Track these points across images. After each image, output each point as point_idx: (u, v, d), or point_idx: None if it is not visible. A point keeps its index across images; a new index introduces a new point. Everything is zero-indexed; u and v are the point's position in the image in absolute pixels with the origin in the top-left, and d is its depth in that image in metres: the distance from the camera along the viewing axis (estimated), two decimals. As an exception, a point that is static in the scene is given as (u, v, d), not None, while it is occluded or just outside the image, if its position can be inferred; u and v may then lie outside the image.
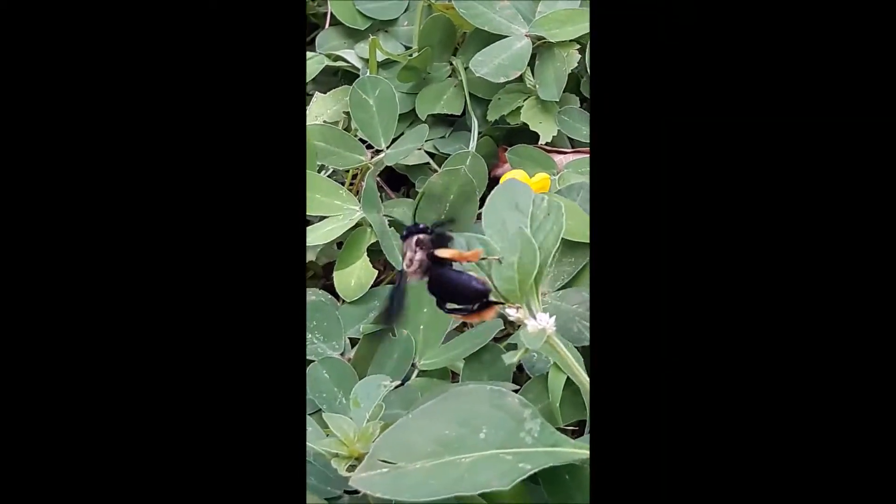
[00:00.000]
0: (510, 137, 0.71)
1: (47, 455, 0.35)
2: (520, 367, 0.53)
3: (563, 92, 0.68)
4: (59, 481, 0.34)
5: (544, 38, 0.69)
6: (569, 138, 0.69)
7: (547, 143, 0.68)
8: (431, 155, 0.69)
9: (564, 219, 0.45)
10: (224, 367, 0.36)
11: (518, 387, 0.49)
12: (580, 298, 0.49)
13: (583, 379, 0.43)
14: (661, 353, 0.35)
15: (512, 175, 0.57)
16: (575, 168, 0.66)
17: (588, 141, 0.68)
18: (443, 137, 0.71)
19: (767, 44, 0.36)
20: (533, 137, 0.68)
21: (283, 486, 0.36)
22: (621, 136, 0.37)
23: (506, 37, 0.69)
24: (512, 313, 0.41)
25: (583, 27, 0.69)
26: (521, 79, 0.68)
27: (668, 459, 0.35)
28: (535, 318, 0.41)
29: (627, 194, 0.36)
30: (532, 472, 0.39)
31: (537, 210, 0.45)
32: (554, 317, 0.41)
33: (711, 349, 0.35)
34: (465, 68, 0.70)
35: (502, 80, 0.67)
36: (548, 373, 0.48)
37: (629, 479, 0.35)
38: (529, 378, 0.51)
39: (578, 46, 0.69)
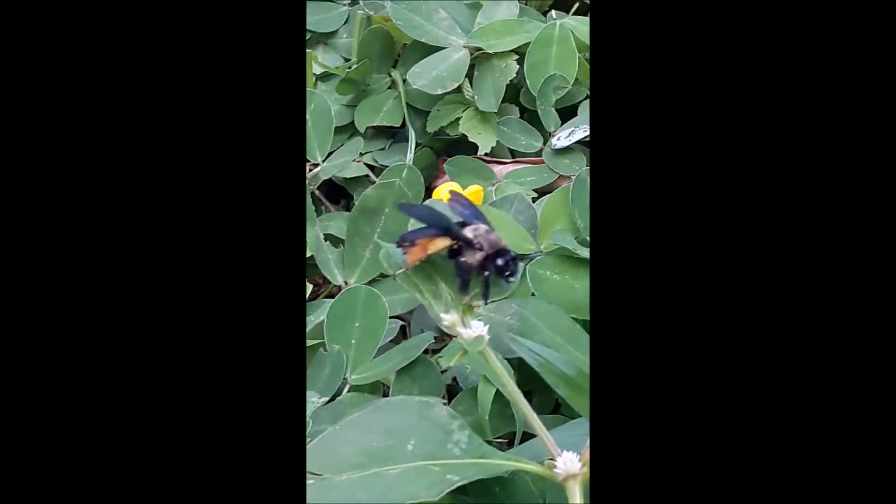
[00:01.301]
0: (450, 149, 0.70)
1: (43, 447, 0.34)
2: (456, 382, 0.53)
3: (503, 102, 0.68)
4: (53, 477, 0.34)
5: (482, 50, 0.69)
6: (509, 149, 0.69)
7: (487, 154, 0.68)
8: (371, 167, 0.69)
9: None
10: (218, 364, 0.35)
11: (446, 400, 0.48)
12: (511, 310, 0.49)
13: (512, 391, 0.42)
14: (662, 352, 0.34)
15: (445, 187, 0.57)
16: (514, 178, 0.66)
17: (527, 151, 0.68)
18: (382, 149, 0.70)
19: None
20: (473, 148, 0.68)
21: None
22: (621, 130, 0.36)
23: (443, 48, 0.69)
24: (446, 318, 0.41)
25: (521, 38, 0.69)
26: (459, 90, 0.68)
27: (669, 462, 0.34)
28: (468, 326, 0.41)
29: (627, 189, 0.36)
30: (460, 484, 0.39)
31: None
32: (488, 326, 0.41)
33: (713, 348, 0.34)
34: (404, 80, 0.70)
35: (440, 91, 0.67)
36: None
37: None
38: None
39: (517, 57, 0.69)
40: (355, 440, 0.39)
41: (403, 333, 0.59)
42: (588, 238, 0.54)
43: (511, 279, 0.42)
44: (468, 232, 0.42)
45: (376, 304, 0.52)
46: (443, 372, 0.53)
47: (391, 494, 0.38)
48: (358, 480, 0.38)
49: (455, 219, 0.43)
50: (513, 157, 0.69)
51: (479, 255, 0.42)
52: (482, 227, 0.43)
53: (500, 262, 0.42)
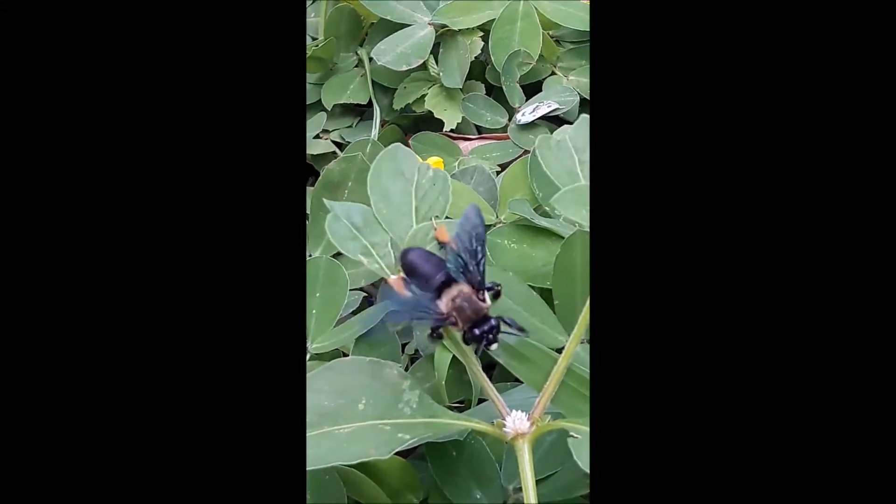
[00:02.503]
0: (418, 125, 0.71)
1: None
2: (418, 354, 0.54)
3: (468, 79, 0.69)
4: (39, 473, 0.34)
5: (447, 27, 0.69)
6: (475, 125, 0.70)
7: (453, 130, 0.69)
8: (339, 145, 0.70)
9: (450, 190, 0.45)
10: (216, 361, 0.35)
11: (399, 364, 0.49)
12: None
13: (468, 355, 0.43)
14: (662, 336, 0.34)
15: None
16: (479, 154, 0.66)
17: (492, 127, 0.69)
18: (349, 127, 0.71)
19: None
20: (440, 125, 0.69)
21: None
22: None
23: (409, 25, 0.69)
24: (392, 281, 0.42)
25: (485, 14, 0.69)
26: (424, 67, 0.69)
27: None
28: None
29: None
30: (413, 444, 0.39)
31: (423, 179, 0.45)
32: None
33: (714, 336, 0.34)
34: (370, 58, 0.70)
35: (404, 68, 0.67)
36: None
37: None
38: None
39: (481, 34, 0.69)
40: (308, 400, 0.40)
41: (369, 306, 0.60)
42: (546, 208, 0.55)
43: (490, 347, 0.40)
44: (444, 303, 0.41)
45: (337, 275, 0.52)
46: (405, 344, 0.54)
47: (343, 452, 0.38)
48: (309, 439, 0.38)
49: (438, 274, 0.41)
50: (478, 133, 0.70)
51: (455, 328, 0.41)
52: (464, 292, 0.41)
53: (476, 332, 0.40)
